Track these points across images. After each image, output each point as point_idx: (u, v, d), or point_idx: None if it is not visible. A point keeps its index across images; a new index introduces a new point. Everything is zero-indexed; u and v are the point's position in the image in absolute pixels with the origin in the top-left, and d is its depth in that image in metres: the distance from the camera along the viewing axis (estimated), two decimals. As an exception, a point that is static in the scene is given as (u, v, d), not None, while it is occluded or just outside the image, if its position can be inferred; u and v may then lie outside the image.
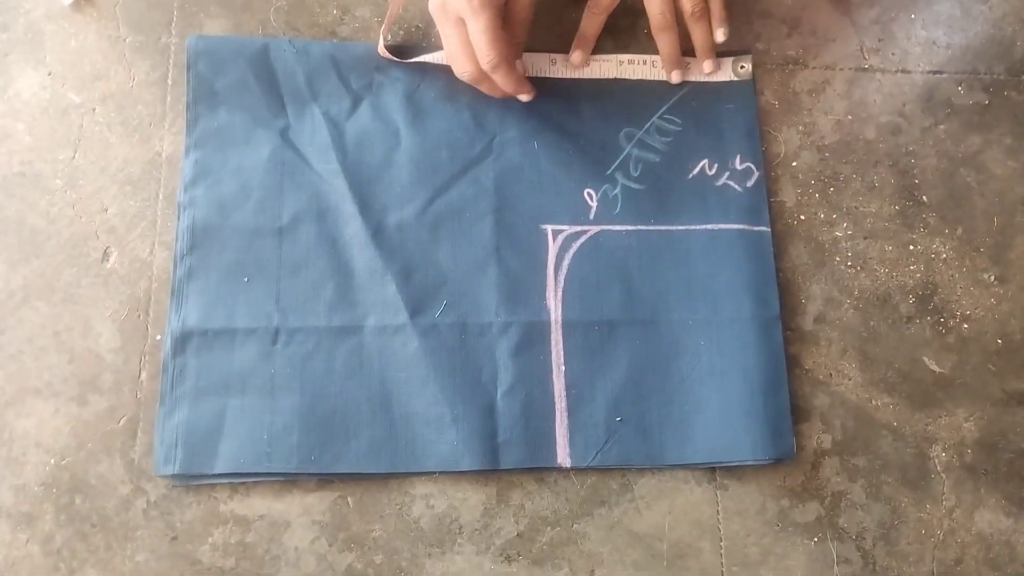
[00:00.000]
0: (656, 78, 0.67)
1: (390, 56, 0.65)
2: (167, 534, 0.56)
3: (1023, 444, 0.62)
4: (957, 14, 0.72)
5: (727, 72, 0.68)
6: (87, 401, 0.58)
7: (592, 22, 0.65)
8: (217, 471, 0.56)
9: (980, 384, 0.63)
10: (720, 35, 0.66)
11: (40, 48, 0.64)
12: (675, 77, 0.67)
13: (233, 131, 0.62)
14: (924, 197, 0.67)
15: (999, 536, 0.61)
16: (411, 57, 0.65)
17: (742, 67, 0.68)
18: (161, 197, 0.62)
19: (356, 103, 0.64)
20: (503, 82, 0.60)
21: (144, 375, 0.58)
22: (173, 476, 0.56)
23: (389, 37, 0.66)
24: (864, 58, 0.70)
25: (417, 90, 0.65)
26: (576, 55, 0.66)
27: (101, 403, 0.58)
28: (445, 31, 0.60)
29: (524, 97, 0.63)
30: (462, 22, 0.58)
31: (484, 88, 0.62)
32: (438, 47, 0.65)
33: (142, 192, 0.62)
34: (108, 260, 0.60)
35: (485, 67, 0.59)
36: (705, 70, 0.67)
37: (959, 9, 0.72)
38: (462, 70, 0.60)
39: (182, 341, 0.58)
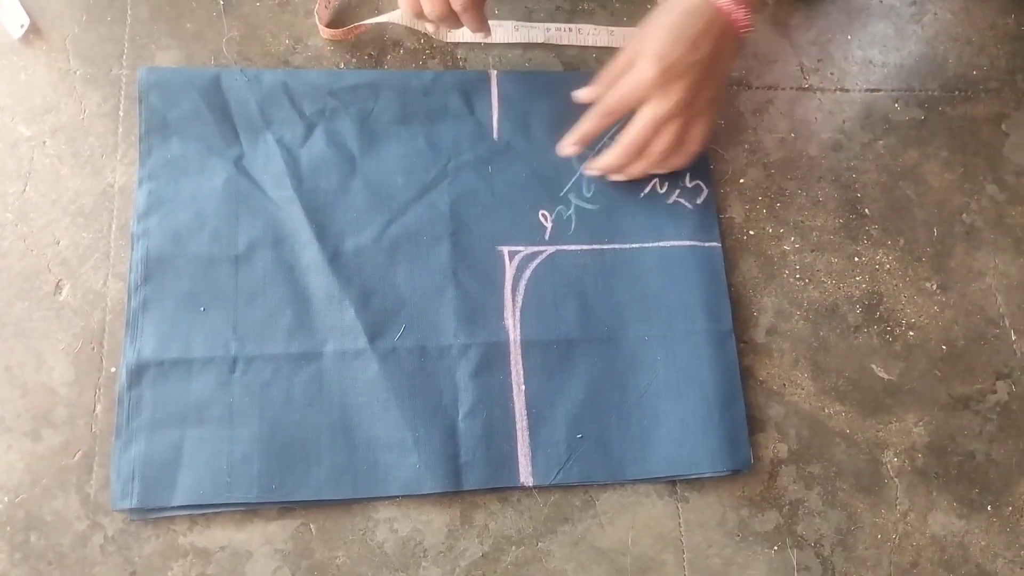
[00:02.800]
0: (575, 43, 0.70)
1: (332, 34, 0.66)
2: (126, 569, 0.55)
3: (971, 447, 0.64)
4: (891, 34, 0.75)
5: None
6: (41, 436, 0.57)
7: (595, 124, 0.63)
8: (176, 503, 0.55)
9: (927, 389, 0.65)
10: (679, 166, 0.64)
11: (-12, 82, 0.63)
12: (587, 168, 0.65)
13: (186, 161, 0.62)
14: (866, 210, 0.69)
15: (952, 538, 0.62)
16: (356, 22, 0.67)
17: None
18: (114, 228, 0.61)
19: (310, 130, 0.64)
20: (471, 22, 0.61)
21: (99, 408, 0.58)
22: (131, 510, 0.55)
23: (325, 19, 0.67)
24: (804, 78, 0.73)
25: (371, 115, 0.66)
26: (571, 149, 0.64)
27: (55, 438, 0.57)
28: None
29: (482, 36, 0.64)
30: None
31: (444, 24, 0.61)
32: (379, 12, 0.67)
33: (94, 224, 0.61)
34: (60, 293, 0.60)
35: (457, 7, 0.59)
36: (589, 172, 0.66)
37: (893, 29, 0.75)
38: (432, 9, 0.59)
39: (138, 372, 0.57)
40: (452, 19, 0.60)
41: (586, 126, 0.63)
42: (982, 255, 0.69)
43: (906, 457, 0.63)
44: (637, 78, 0.59)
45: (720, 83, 0.62)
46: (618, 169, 0.64)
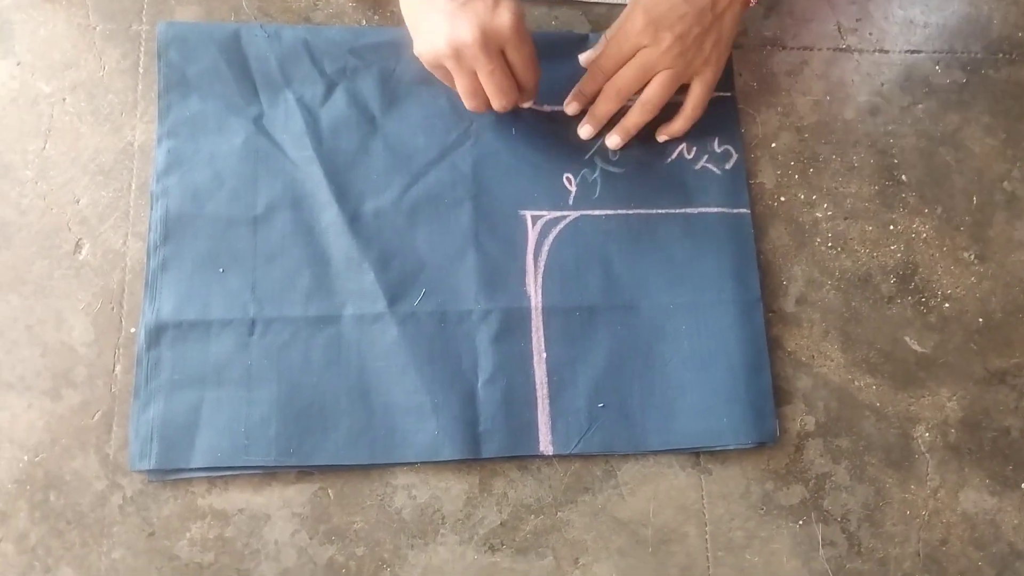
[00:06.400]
0: (603, 0, 0.68)
1: None
2: (144, 530, 0.55)
3: (1006, 422, 0.62)
4: (934, -7, 0.72)
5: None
6: (61, 395, 0.57)
7: (593, 82, 0.63)
8: (194, 465, 0.55)
9: (962, 363, 0.63)
10: (678, 130, 0.64)
11: (9, 38, 0.63)
12: (584, 133, 0.64)
13: (206, 119, 0.61)
14: (903, 177, 0.67)
15: (984, 515, 0.60)
16: None
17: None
18: (133, 187, 0.61)
19: (330, 88, 0.63)
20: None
21: (118, 368, 0.57)
22: (149, 471, 0.55)
23: None
24: (842, 38, 0.70)
25: (392, 75, 0.64)
26: (572, 108, 0.64)
27: (75, 397, 0.57)
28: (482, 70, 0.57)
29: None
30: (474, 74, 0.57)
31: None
32: None
33: (114, 182, 0.61)
34: (80, 252, 0.59)
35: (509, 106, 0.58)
36: (610, 143, 0.64)
37: (936, -12, 0.72)
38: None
39: (156, 333, 0.57)
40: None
41: (584, 84, 0.63)
42: (1023, 224, 0.67)
43: (938, 432, 0.62)
44: (626, 28, 0.60)
45: (720, 43, 0.60)
46: (607, 115, 0.63)
